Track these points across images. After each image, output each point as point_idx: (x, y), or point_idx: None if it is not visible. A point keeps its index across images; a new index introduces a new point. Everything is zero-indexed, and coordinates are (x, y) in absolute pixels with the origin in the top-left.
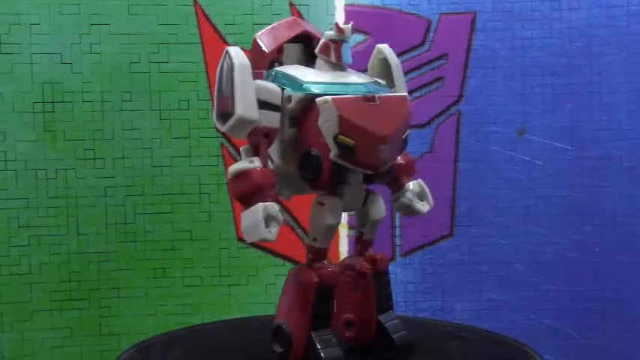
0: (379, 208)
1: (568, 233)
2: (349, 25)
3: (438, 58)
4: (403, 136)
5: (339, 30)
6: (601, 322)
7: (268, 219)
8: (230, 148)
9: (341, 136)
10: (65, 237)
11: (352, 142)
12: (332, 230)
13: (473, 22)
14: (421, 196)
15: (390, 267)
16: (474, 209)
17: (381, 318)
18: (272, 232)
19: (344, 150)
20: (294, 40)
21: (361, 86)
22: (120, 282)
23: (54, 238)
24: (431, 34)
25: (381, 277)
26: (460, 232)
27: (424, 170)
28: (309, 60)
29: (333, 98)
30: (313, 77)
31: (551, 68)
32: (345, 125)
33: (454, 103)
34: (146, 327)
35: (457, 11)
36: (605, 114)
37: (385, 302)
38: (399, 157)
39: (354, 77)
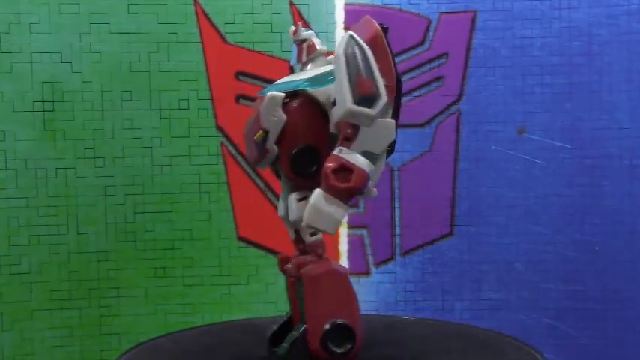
0: (290, 209)
1: (568, 232)
2: (291, 28)
3: (438, 57)
4: (255, 137)
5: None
6: (601, 321)
7: None
8: (230, 147)
9: None
10: (65, 236)
11: None
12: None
13: (473, 21)
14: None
15: (390, 266)
16: (473, 208)
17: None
18: None
19: None
20: None
21: (274, 86)
22: (120, 281)
23: (54, 238)
24: (431, 33)
25: (301, 285)
26: (460, 232)
27: (424, 169)
28: None
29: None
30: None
31: (551, 67)
32: None
33: (454, 103)
34: (146, 326)
35: (457, 10)
36: (605, 113)
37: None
38: None
39: (300, 75)
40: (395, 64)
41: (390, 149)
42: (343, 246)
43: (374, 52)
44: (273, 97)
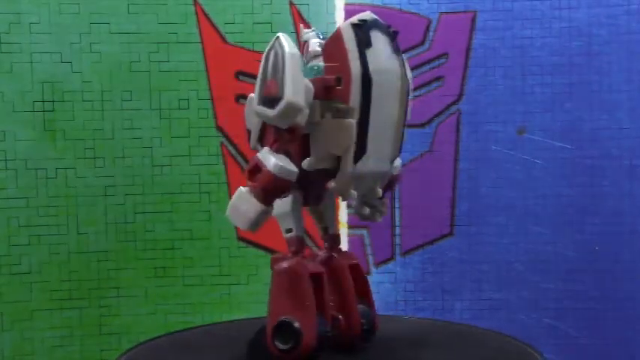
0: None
1: (568, 232)
2: None
3: (438, 57)
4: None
5: None
6: (601, 321)
7: None
8: (230, 147)
9: None
10: (65, 236)
11: None
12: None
13: (473, 21)
14: None
15: (390, 266)
16: (473, 208)
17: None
18: None
19: None
20: None
21: None
22: (120, 281)
23: (54, 238)
24: (431, 33)
25: None
26: (460, 232)
27: (424, 169)
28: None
29: None
30: None
31: (551, 67)
32: None
33: (454, 103)
34: (146, 326)
35: (457, 10)
36: (604, 113)
37: None
38: None
39: None
40: (362, 63)
41: (358, 151)
42: (343, 246)
43: (332, 51)
44: (251, 99)
